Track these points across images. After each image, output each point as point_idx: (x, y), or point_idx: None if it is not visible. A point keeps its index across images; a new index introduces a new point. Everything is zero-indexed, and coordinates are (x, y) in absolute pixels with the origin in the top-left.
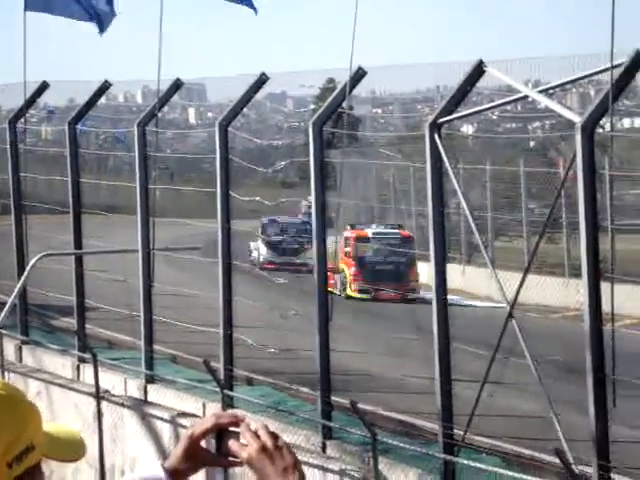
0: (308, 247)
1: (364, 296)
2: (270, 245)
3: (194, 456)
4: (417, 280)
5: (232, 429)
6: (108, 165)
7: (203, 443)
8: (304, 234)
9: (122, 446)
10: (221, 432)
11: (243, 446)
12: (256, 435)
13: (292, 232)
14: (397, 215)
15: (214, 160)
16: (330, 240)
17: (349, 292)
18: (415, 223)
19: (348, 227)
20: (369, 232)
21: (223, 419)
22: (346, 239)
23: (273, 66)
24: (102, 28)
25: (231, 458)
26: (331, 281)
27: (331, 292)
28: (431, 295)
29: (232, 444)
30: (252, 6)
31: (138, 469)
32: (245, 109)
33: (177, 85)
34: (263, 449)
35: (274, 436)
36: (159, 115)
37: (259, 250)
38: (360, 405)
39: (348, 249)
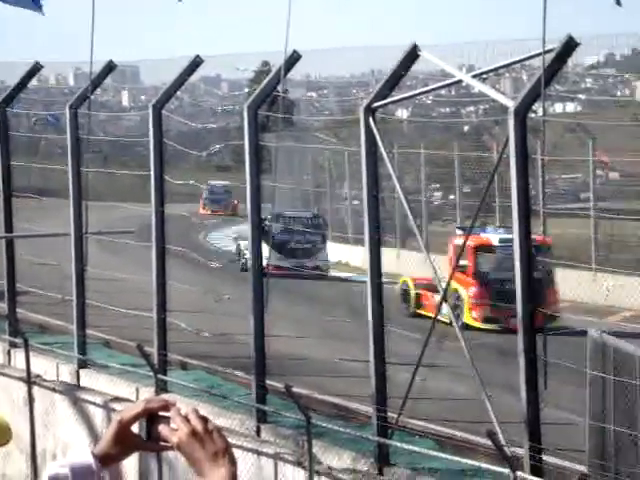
0: (322, 247)
1: (491, 326)
2: (276, 245)
3: (124, 441)
4: (557, 302)
5: (162, 414)
6: (40, 148)
7: (134, 428)
8: (316, 230)
9: (54, 431)
10: (151, 417)
11: (173, 430)
12: (186, 419)
13: (300, 228)
14: (332, 199)
15: (148, 143)
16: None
17: (468, 320)
18: (350, 207)
19: (457, 230)
20: (493, 239)
21: (153, 404)
22: (457, 247)
23: (208, 49)
24: (41, 8)
25: (162, 443)
26: (428, 302)
27: (439, 320)
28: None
29: (162, 429)
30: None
31: (68, 455)
32: (179, 92)
33: (110, 67)
34: (193, 433)
35: (204, 420)
36: (92, 97)
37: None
38: (295, 389)
39: (465, 262)
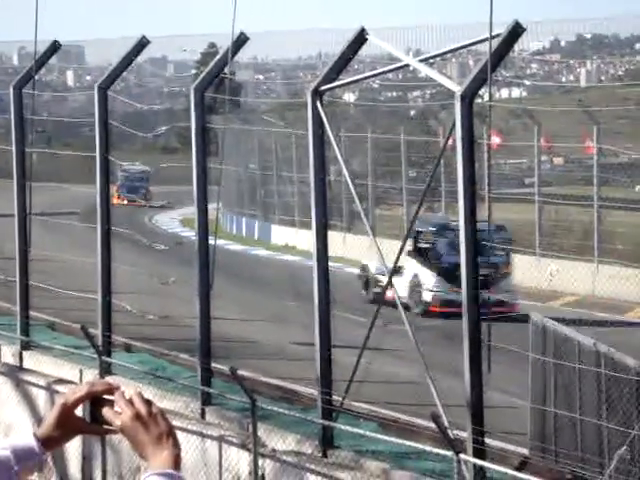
0: (507, 270)
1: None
2: (444, 270)
3: (67, 424)
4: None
5: (106, 397)
6: None
7: (77, 411)
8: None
9: None
10: (95, 400)
11: (117, 414)
12: (130, 402)
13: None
14: (279, 182)
15: (93, 124)
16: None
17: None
18: (297, 190)
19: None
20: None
21: (97, 387)
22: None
23: (154, 30)
24: None
25: (105, 426)
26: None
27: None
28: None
29: (106, 412)
30: None
31: (10, 438)
32: (125, 73)
33: (55, 47)
34: (137, 416)
35: (148, 403)
36: (36, 77)
37: (419, 279)
38: (240, 371)
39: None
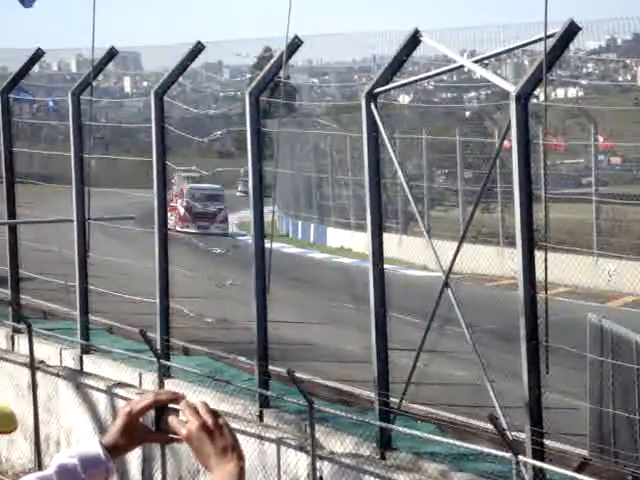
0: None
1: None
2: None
3: (133, 432)
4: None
5: (172, 406)
6: (42, 134)
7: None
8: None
9: (57, 416)
10: (161, 408)
11: (183, 423)
12: (196, 412)
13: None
14: (334, 184)
15: (150, 129)
16: None
17: None
18: (352, 193)
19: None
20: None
21: (163, 395)
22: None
23: (209, 35)
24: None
25: (170, 435)
26: None
27: None
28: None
29: (172, 420)
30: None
31: (76, 446)
32: (181, 78)
33: (112, 53)
34: (203, 427)
35: (214, 414)
36: (94, 84)
37: None
38: (297, 374)
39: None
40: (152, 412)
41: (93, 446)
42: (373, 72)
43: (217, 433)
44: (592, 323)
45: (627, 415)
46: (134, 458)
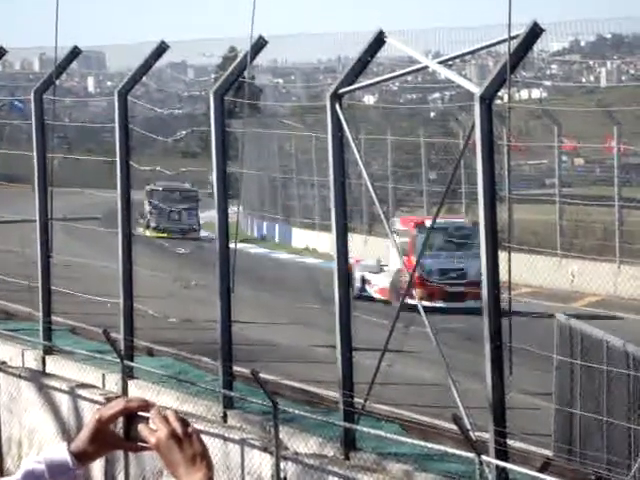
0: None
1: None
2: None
3: (101, 439)
4: None
5: (141, 414)
6: (4, 134)
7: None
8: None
9: (19, 418)
10: (130, 416)
11: (152, 431)
12: (166, 420)
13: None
14: (299, 185)
15: (113, 129)
16: None
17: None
18: (317, 193)
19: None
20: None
21: (132, 403)
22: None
23: (173, 35)
24: None
25: (140, 443)
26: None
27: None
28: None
29: (142, 429)
30: None
31: (44, 452)
32: (145, 78)
33: (75, 53)
34: (172, 435)
35: (184, 423)
36: (57, 83)
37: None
38: (261, 375)
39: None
40: (122, 419)
41: (61, 452)
42: (338, 72)
43: (186, 442)
44: (561, 323)
45: (594, 416)
46: (97, 460)
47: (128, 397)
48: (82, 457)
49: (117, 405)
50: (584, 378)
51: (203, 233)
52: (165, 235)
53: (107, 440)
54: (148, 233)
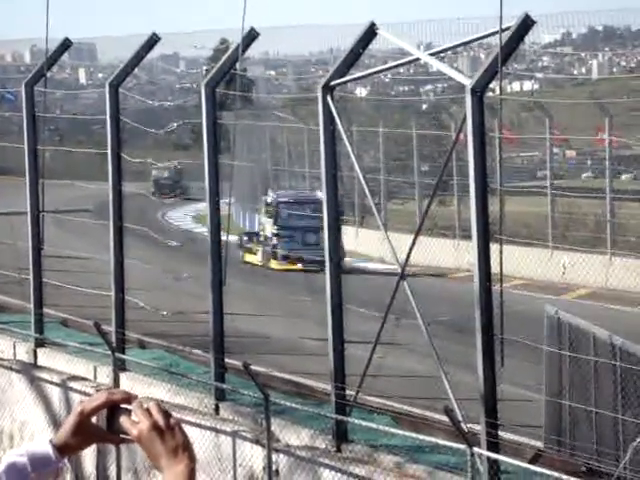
0: None
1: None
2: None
3: (84, 432)
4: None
5: (124, 406)
6: None
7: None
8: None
9: (11, 410)
10: (113, 408)
11: (134, 423)
12: (148, 412)
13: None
14: (291, 177)
15: (105, 121)
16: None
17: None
18: (309, 185)
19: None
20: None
21: (115, 395)
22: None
23: (165, 26)
24: None
25: (122, 435)
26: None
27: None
28: None
29: (124, 421)
30: None
31: (27, 444)
32: (136, 70)
33: (66, 45)
34: (154, 427)
35: (166, 414)
36: (48, 75)
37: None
38: (253, 367)
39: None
40: (104, 411)
41: (43, 445)
42: (330, 64)
43: (168, 434)
44: (549, 315)
45: (583, 407)
46: (89, 452)
47: (111, 389)
48: (65, 450)
49: (100, 397)
50: (572, 370)
51: (348, 258)
52: (299, 267)
53: (90, 433)
54: (275, 265)
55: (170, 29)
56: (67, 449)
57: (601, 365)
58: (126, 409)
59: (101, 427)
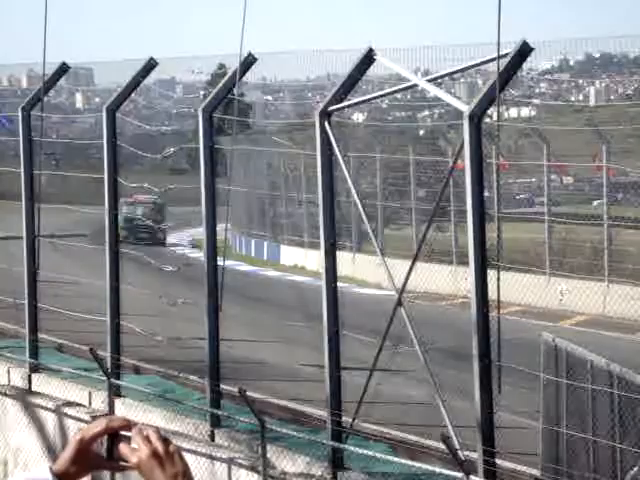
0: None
1: None
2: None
3: (84, 460)
4: None
5: (124, 433)
6: None
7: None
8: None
9: (5, 436)
10: (113, 436)
11: (134, 450)
12: (147, 440)
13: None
14: (288, 202)
15: (101, 146)
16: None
17: None
18: (305, 211)
19: None
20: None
21: (115, 422)
22: None
23: (163, 51)
24: None
25: (122, 462)
26: None
27: None
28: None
29: (123, 448)
30: None
31: (26, 472)
32: (133, 94)
33: (63, 69)
34: (154, 454)
35: (165, 441)
36: (45, 99)
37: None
38: (249, 393)
39: None
40: (104, 439)
41: (43, 472)
42: (327, 90)
43: (168, 461)
44: (546, 342)
45: (581, 435)
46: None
47: (110, 417)
48: (64, 477)
49: (99, 425)
50: (570, 397)
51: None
52: None
53: (89, 460)
54: None
55: (168, 54)
56: (67, 477)
57: (599, 393)
58: (125, 436)
59: (101, 454)
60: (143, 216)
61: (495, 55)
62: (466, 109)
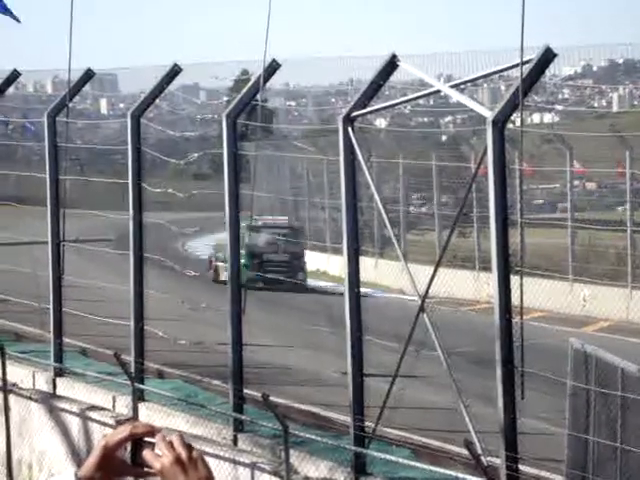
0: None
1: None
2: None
3: (108, 466)
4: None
5: (147, 439)
6: (17, 155)
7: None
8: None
9: (30, 440)
10: (137, 442)
11: (157, 457)
12: (171, 446)
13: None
14: (310, 208)
15: (126, 151)
16: None
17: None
18: (328, 216)
19: None
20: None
21: (138, 429)
22: None
23: (186, 57)
24: (15, 17)
25: (146, 469)
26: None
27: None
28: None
29: (146, 454)
30: (14, 17)
31: (51, 478)
32: (157, 100)
33: (88, 75)
34: (177, 460)
35: (189, 448)
36: (70, 105)
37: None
38: (272, 398)
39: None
40: (129, 445)
41: (68, 478)
42: (350, 96)
43: (191, 467)
44: (575, 348)
45: (608, 442)
46: None
47: (134, 423)
48: None
49: (123, 431)
50: (599, 404)
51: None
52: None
53: (114, 466)
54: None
55: (191, 60)
56: None
57: (630, 400)
58: (149, 442)
59: (125, 460)
60: (275, 247)
61: (518, 61)
62: (489, 115)
